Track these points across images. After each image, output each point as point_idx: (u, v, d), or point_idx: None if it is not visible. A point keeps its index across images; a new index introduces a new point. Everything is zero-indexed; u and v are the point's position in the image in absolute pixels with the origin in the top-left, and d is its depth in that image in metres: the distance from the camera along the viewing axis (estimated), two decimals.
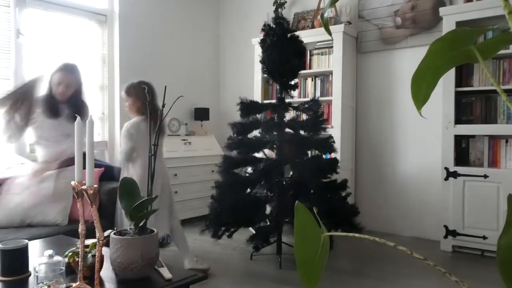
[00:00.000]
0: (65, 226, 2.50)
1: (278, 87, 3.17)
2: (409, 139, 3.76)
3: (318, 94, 3.96)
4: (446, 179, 3.25)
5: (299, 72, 3.08)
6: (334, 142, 3.01)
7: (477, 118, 3.29)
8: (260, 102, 3.80)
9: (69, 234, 2.24)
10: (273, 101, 3.83)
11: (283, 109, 3.06)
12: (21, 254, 1.51)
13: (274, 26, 2.99)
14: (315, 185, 2.82)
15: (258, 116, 3.11)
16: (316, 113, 2.99)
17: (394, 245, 0.66)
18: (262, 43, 3.05)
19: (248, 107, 3.05)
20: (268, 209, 3.08)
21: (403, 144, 3.80)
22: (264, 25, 3.05)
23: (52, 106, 2.70)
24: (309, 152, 3.09)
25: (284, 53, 2.92)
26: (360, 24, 3.98)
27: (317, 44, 3.99)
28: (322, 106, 3.18)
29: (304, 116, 3.11)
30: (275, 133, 2.99)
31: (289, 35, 2.99)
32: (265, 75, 3.36)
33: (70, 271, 1.47)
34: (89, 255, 1.46)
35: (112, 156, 3.97)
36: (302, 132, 3.01)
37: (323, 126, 3.00)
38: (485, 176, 3.09)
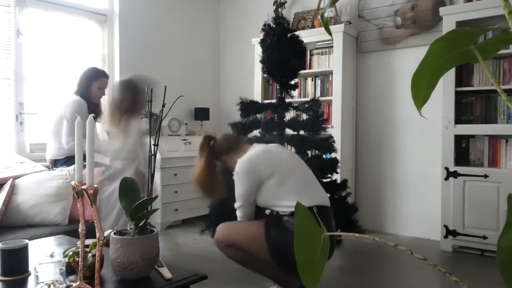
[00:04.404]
0: (65, 226, 2.50)
1: (278, 87, 3.18)
2: (409, 139, 3.76)
3: (318, 94, 3.96)
4: (446, 179, 3.24)
5: (299, 72, 3.08)
6: (334, 142, 3.00)
7: (477, 118, 3.29)
8: (260, 102, 3.80)
9: (69, 234, 2.24)
10: (273, 101, 3.83)
11: (283, 109, 3.06)
12: (21, 254, 1.51)
13: (274, 26, 2.99)
14: None
15: (258, 116, 3.11)
16: (316, 113, 2.99)
17: (394, 245, 0.66)
18: (262, 43, 3.05)
19: (248, 107, 3.05)
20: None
21: (403, 144, 3.79)
22: (264, 25, 3.05)
23: (96, 108, 3.04)
24: (309, 152, 3.09)
25: (284, 53, 2.92)
26: (360, 24, 3.98)
27: (317, 44, 3.99)
28: (322, 106, 3.18)
29: (304, 116, 3.11)
30: (275, 133, 2.99)
31: (289, 35, 2.99)
32: (265, 75, 3.36)
33: (70, 271, 1.47)
34: (89, 255, 1.46)
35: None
36: (302, 132, 3.01)
37: (323, 126, 3.00)
38: (485, 176, 3.09)
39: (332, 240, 2.27)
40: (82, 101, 2.93)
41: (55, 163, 2.94)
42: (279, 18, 3.00)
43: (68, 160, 2.89)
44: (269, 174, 2.13)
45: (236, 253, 2.18)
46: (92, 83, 3.01)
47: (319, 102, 3.05)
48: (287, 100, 3.10)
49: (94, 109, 3.00)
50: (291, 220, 2.02)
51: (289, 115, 3.56)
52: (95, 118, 2.90)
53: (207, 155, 2.31)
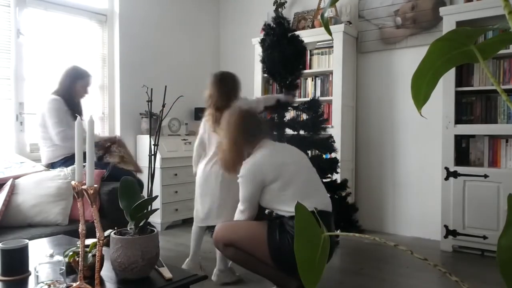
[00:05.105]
0: (66, 226, 2.50)
1: (277, 87, 3.17)
2: (409, 139, 3.76)
3: (318, 94, 3.96)
4: (446, 179, 3.24)
5: (299, 72, 3.08)
6: (334, 142, 3.01)
7: (477, 118, 3.29)
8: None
9: (70, 234, 2.24)
10: None
11: (283, 109, 3.05)
12: (21, 254, 1.51)
13: (274, 25, 2.98)
14: None
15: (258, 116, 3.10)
16: (316, 112, 2.99)
17: (394, 245, 0.66)
18: (262, 43, 3.05)
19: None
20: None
21: (403, 144, 3.80)
22: (265, 25, 3.05)
23: (77, 107, 3.03)
24: (309, 152, 3.08)
25: (284, 52, 2.92)
26: (360, 24, 3.98)
27: (317, 44, 3.99)
28: (322, 106, 3.18)
29: (304, 116, 3.11)
30: (275, 133, 2.98)
31: (289, 34, 2.99)
32: (265, 75, 3.36)
33: (71, 271, 1.47)
34: (89, 255, 1.46)
35: None
36: (302, 132, 3.01)
37: (323, 126, 3.00)
38: (485, 176, 3.09)
39: (332, 243, 2.27)
40: (58, 98, 2.92)
41: (53, 166, 2.92)
42: (279, 18, 3.00)
43: (66, 161, 2.88)
44: (272, 179, 2.14)
45: (234, 252, 2.19)
46: (76, 82, 3.01)
47: (319, 102, 3.05)
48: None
49: (76, 107, 2.99)
50: (291, 223, 2.03)
51: (289, 115, 3.56)
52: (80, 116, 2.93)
53: (241, 132, 2.29)
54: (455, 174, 3.21)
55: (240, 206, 2.24)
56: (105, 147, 3.09)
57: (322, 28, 3.61)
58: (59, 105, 2.89)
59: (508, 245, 0.55)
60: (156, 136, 1.62)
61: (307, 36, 3.77)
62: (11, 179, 2.58)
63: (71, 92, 2.98)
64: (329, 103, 3.89)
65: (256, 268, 2.21)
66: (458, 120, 3.27)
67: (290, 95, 2.98)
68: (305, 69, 3.93)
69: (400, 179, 3.82)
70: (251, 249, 2.13)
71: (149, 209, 1.48)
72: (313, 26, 4.10)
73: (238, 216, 2.27)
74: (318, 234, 0.66)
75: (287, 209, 2.10)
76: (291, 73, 3.01)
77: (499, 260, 0.56)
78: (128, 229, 1.50)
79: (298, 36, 3.02)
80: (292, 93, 3.01)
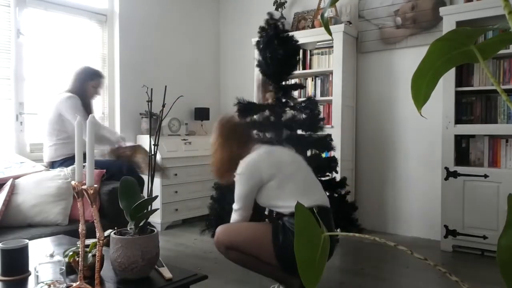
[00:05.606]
0: (66, 226, 2.50)
1: (272, 88, 3.17)
2: (409, 139, 3.76)
3: (318, 94, 3.97)
4: (446, 179, 3.24)
5: (295, 72, 3.07)
6: (332, 140, 3.01)
7: (477, 118, 3.29)
8: (257, 102, 3.80)
9: (70, 234, 2.24)
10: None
11: (280, 109, 3.05)
12: (21, 254, 1.51)
13: (267, 27, 2.99)
14: None
15: (256, 116, 3.11)
16: (313, 111, 2.99)
17: (394, 245, 0.66)
18: (257, 44, 3.06)
19: (245, 107, 3.05)
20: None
21: (403, 144, 3.80)
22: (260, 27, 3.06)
23: (88, 107, 3.07)
24: (308, 152, 3.09)
25: (277, 53, 2.92)
26: (360, 24, 3.98)
27: (317, 44, 3.99)
28: (319, 105, 3.18)
29: (301, 115, 3.11)
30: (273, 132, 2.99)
31: (284, 35, 2.99)
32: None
33: (71, 271, 1.47)
34: (90, 255, 1.46)
35: None
36: (300, 131, 3.01)
37: (320, 126, 3.00)
38: (485, 176, 3.09)
39: (332, 240, 2.27)
40: (76, 96, 2.94)
41: (53, 165, 2.93)
42: (272, 20, 3.01)
43: (65, 161, 2.89)
44: (270, 176, 2.13)
45: (236, 255, 2.19)
46: (87, 82, 3.05)
47: (315, 101, 3.05)
48: (284, 100, 3.10)
49: (86, 107, 3.01)
50: (290, 220, 2.03)
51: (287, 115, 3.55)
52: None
53: (232, 139, 2.28)
54: (455, 174, 3.21)
55: (234, 205, 2.23)
56: (127, 155, 3.06)
57: (322, 28, 3.62)
58: (77, 103, 2.92)
59: (508, 245, 0.55)
60: (156, 136, 1.62)
61: (307, 36, 3.77)
62: (11, 179, 2.58)
63: (82, 92, 3.01)
64: (329, 103, 3.89)
65: (259, 268, 2.21)
66: (458, 120, 3.27)
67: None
68: (298, 69, 3.94)
69: (400, 179, 3.82)
70: (255, 250, 2.13)
71: (149, 209, 1.48)
72: (313, 26, 4.10)
73: (232, 215, 2.26)
74: (318, 233, 0.66)
75: (285, 204, 2.09)
76: (286, 73, 3.02)
77: (499, 260, 0.56)
78: (128, 229, 1.50)
79: (292, 36, 3.02)
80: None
